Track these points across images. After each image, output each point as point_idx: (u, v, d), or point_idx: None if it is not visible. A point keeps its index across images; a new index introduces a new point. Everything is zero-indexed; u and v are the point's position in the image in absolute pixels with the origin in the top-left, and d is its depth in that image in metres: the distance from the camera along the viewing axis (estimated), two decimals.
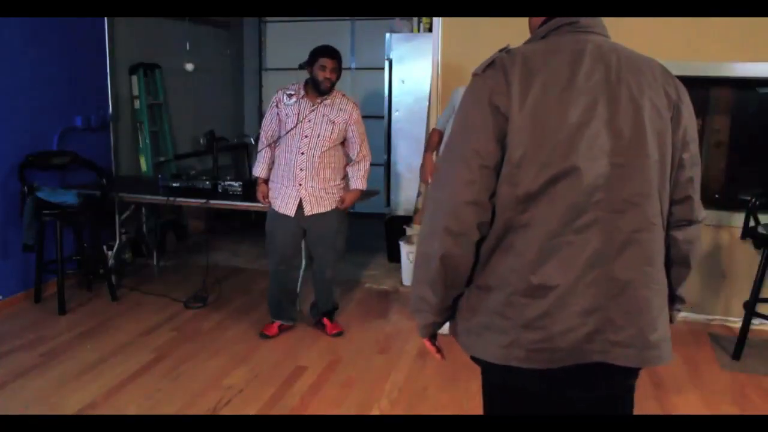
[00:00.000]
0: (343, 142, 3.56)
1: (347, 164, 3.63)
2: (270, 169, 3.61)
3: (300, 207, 3.48)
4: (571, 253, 1.25)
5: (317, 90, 3.42)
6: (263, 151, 3.59)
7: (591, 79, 1.26)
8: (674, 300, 1.49)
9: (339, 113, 3.46)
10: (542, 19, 1.39)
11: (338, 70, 3.45)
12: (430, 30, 4.63)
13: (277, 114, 3.51)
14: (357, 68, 7.02)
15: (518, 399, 1.36)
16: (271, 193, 3.58)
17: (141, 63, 5.44)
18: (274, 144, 3.56)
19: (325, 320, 3.80)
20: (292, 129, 3.43)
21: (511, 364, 1.29)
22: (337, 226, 3.59)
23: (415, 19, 5.16)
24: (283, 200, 3.51)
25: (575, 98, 1.25)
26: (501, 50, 1.33)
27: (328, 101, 3.46)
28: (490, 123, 1.26)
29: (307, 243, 3.70)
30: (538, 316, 1.26)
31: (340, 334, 3.76)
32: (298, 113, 3.44)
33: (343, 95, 3.53)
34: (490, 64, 1.30)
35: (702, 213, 1.44)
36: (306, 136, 3.42)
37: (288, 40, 6.97)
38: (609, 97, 1.26)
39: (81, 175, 4.50)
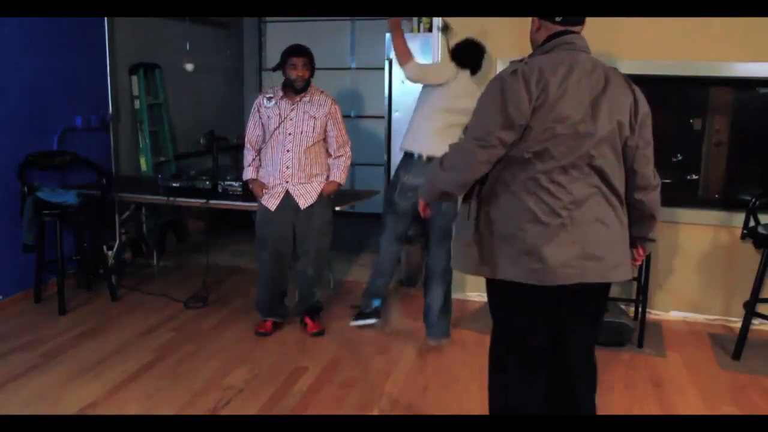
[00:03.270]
0: (325, 139, 3.64)
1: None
2: (258, 171, 3.69)
3: (286, 202, 3.54)
4: None
5: (293, 89, 3.51)
6: (251, 157, 3.67)
7: (580, 85, 1.88)
8: None
9: (319, 108, 3.57)
10: (545, 36, 1.97)
11: (309, 65, 3.53)
12: (430, 30, 4.62)
13: (260, 119, 3.62)
14: (357, 68, 7.01)
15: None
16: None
17: (141, 63, 5.44)
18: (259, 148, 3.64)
19: (307, 318, 3.80)
20: (276, 129, 3.53)
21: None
22: (320, 226, 3.63)
23: (415, 19, 5.15)
24: (271, 197, 3.58)
25: (574, 97, 1.86)
26: (520, 60, 1.88)
27: (306, 98, 3.56)
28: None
29: (294, 241, 3.72)
30: None
31: (320, 333, 3.75)
32: (280, 113, 3.54)
33: (322, 92, 3.64)
34: (514, 71, 1.86)
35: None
36: (290, 134, 3.52)
37: (288, 40, 6.79)
38: (592, 99, 1.88)
39: (81, 175, 4.50)
